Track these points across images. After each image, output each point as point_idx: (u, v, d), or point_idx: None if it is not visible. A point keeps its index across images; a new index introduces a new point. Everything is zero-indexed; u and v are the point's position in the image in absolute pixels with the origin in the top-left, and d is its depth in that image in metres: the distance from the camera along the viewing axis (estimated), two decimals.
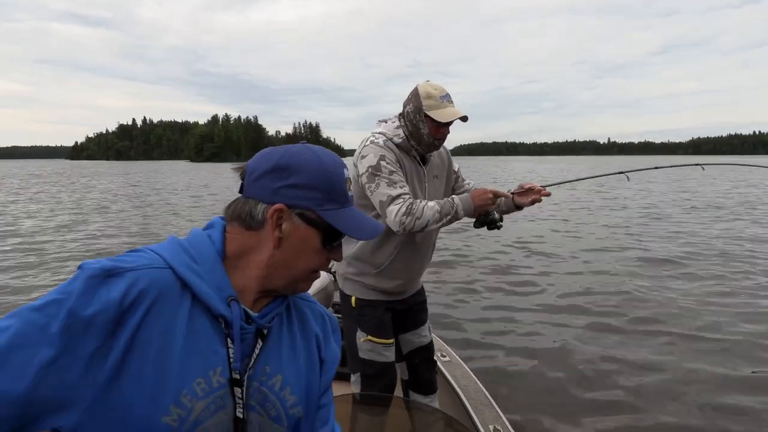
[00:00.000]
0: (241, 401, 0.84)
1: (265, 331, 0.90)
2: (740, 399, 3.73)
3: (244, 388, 0.85)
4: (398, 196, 2.03)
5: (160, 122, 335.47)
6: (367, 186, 2.08)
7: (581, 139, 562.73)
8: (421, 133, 2.11)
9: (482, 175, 42.69)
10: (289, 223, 0.87)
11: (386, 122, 2.23)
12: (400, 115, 2.20)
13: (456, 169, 2.46)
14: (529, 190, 2.19)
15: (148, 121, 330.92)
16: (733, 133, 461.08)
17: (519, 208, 2.24)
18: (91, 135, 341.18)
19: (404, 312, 2.38)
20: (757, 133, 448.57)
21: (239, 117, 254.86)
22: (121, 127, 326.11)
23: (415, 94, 2.13)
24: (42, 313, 0.72)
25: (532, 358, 4.49)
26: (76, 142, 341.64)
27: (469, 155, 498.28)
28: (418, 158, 2.23)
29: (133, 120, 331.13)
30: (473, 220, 2.21)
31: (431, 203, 2.06)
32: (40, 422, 0.72)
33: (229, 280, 0.86)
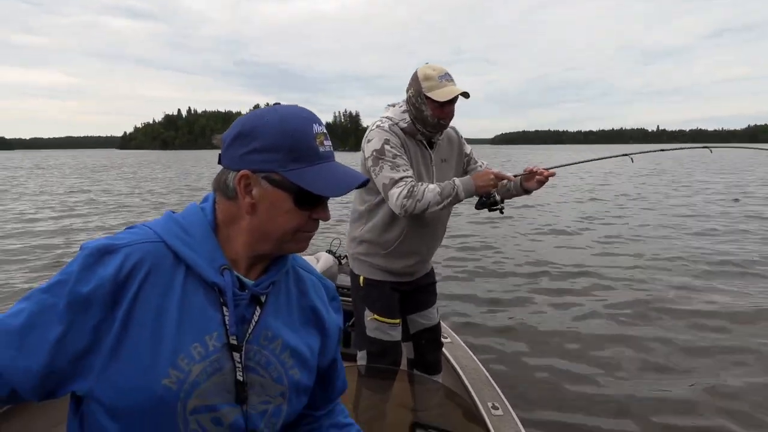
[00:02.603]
0: (240, 365, 0.88)
1: (263, 298, 0.93)
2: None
3: (243, 353, 0.89)
4: (401, 179, 2.07)
5: (204, 112, 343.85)
6: (372, 169, 2.13)
7: (628, 127, 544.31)
8: (424, 115, 2.13)
9: (520, 165, 42.02)
10: (258, 188, 0.88)
11: (394, 106, 2.26)
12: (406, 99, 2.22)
13: (468, 152, 2.46)
14: (532, 173, 2.20)
15: (192, 111, 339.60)
16: None
17: (528, 192, 2.26)
18: (138, 125, 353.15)
19: (412, 293, 2.42)
20: None
21: None
22: (167, 117, 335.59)
23: (414, 78, 2.16)
24: (49, 294, 0.81)
25: (535, 343, 4.51)
26: (125, 132, 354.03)
27: (509, 144, 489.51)
28: (424, 142, 2.24)
29: (179, 110, 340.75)
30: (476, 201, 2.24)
31: (432, 186, 2.08)
32: (62, 389, 0.82)
33: (221, 250, 0.90)
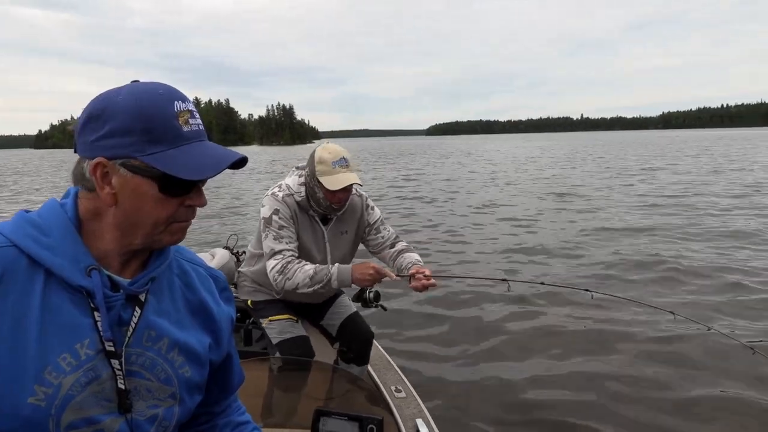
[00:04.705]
0: (120, 371, 0.82)
1: (143, 297, 0.86)
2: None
3: (123, 358, 0.82)
4: (279, 252, 2.12)
5: None
6: (261, 232, 2.20)
7: (555, 116, 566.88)
8: (317, 196, 2.15)
9: (457, 157, 42.59)
10: (117, 177, 0.80)
11: (302, 171, 2.24)
12: None
13: (372, 221, 2.39)
14: (413, 277, 2.15)
15: None
16: (702, 107, 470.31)
17: (414, 289, 2.19)
18: (55, 123, 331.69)
19: (313, 305, 2.49)
20: (724, 106, 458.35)
21: (210, 101, 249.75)
22: None
23: (311, 158, 2.16)
24: None
25: (439, 341, 4.41)
26: (40, 131, 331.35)
27: (443, 135, 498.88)
28: (317, 218, 2.25)
29: None
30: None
31: (307, 267, 2.11)
32: None
33: (85, 249, 0.81)
